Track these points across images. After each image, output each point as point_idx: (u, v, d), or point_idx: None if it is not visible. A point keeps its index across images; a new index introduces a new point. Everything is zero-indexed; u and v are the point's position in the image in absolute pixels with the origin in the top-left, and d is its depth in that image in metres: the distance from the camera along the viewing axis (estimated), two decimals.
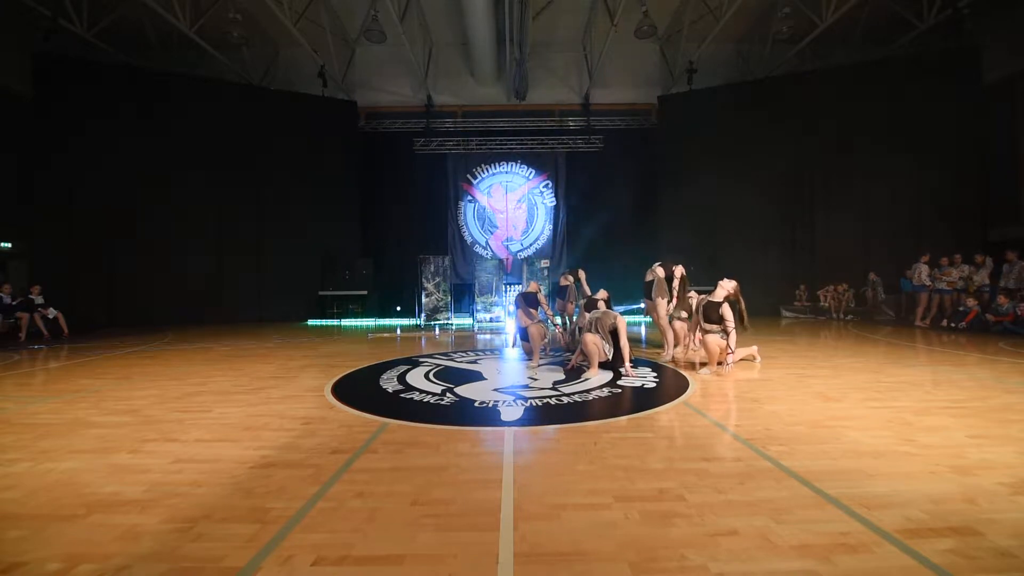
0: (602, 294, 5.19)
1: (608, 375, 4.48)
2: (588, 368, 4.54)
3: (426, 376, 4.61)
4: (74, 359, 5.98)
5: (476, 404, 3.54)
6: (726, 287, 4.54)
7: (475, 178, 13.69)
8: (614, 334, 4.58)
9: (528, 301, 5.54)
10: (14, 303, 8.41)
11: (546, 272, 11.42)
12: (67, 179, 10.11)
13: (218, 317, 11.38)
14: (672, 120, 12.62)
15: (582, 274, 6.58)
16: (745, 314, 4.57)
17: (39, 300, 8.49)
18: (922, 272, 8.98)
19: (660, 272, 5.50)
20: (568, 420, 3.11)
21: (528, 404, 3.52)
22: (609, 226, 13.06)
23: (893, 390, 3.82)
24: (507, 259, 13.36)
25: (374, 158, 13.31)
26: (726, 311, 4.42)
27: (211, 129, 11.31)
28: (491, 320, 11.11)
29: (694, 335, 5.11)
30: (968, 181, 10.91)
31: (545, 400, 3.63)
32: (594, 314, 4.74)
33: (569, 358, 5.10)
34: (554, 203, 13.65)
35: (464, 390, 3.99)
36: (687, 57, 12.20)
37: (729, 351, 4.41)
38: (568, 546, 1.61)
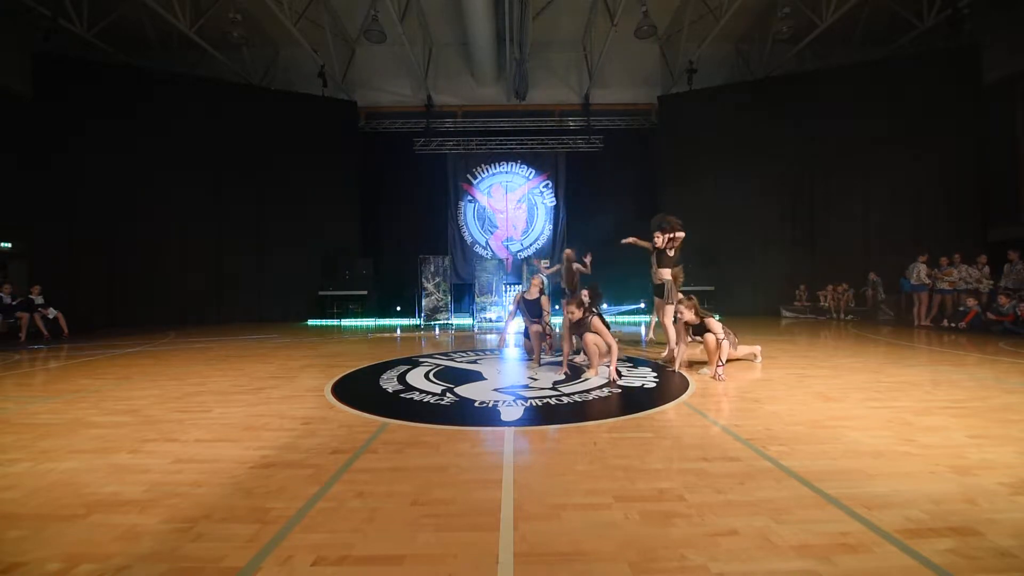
0: (584, 295, 4.97)
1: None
2: (588, 368, 4.54)
3: (426, 376, 4.61)
4: (74, 359, 5.97)
5: (476, 404, 3.53)
6: (687, 308, 4.50)
7: (475, 178, 13.69)
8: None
9: (532, 310, 5.36)
10: (14, 303, 8.41)
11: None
12: (67, 179, 10.10)
13: (218, 317, 11.39)
14: (672, 120, 12.60)
15: (576, 266, 6.32)
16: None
17: (39, 300, 8.49)
18: (921, 271, 8.99)
19: (667, 275, 5.55)
20: (568, 420, 3.11)
21: (528, 404, 3.52)
22: (609, 226, 13.02)
23: (893, 390, 3.82)
24: (507, 259, 13.36)
25: (374, 158, 13.31)
26: (711, 323, 4.43)
27: (211, 129, 11.31)
28: (495, 320, 11.10)
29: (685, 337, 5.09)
30: (968, 181, 10.89)
31: (545, 400, 3.63)
32: (575, 320, 4.66)
33: (571, 359, 5.02)
34: (554, 203, 13.65)
35: (464, 390, 3.99)
36: (687, 57, 12.19)
37: (720, 363, 4.34)
38: (568, 546, 1.61)
